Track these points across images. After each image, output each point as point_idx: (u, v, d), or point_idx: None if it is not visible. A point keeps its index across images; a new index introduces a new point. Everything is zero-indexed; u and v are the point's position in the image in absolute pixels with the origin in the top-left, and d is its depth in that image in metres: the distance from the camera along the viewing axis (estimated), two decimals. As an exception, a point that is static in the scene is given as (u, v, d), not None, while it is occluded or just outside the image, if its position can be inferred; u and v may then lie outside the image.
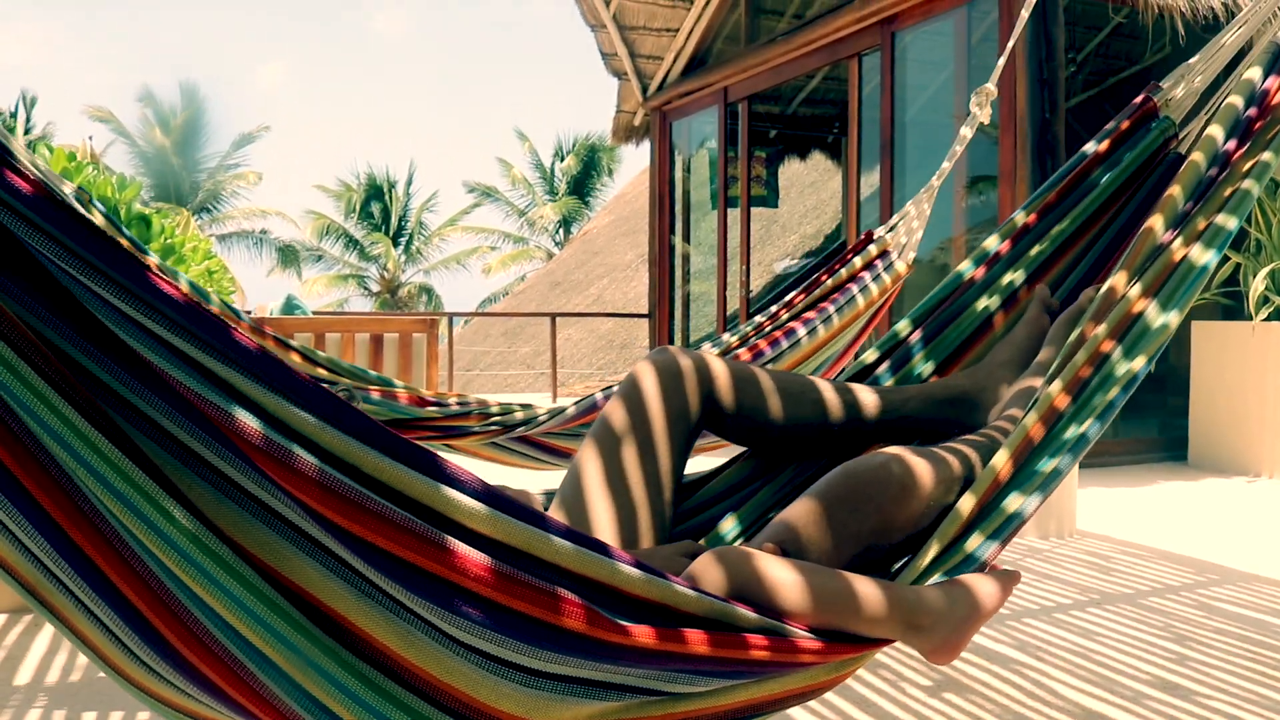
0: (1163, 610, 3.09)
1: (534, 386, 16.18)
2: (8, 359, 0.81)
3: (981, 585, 1.16)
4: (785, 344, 2.31)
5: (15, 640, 2.78)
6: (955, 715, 2.28)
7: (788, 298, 2.52)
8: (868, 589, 1.08)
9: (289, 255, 25.23)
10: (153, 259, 2.03)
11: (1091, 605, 3.14)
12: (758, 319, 2.49)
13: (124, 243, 1.89)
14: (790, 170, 12.33)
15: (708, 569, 1.05)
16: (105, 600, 0.88)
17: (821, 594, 1.06)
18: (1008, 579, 1.19)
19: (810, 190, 13.75)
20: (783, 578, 1.06)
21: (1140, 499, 5.13)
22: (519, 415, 2.30)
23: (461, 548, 0.84)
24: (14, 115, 21.91)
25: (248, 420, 0.80)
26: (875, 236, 2.57)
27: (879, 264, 2.50)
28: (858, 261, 2.50)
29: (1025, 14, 2.19)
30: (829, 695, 2.39)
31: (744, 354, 2.31)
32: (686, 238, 9.56)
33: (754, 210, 8.88)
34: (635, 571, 0.93)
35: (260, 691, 0.89)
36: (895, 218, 2.56)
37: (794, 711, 2.30)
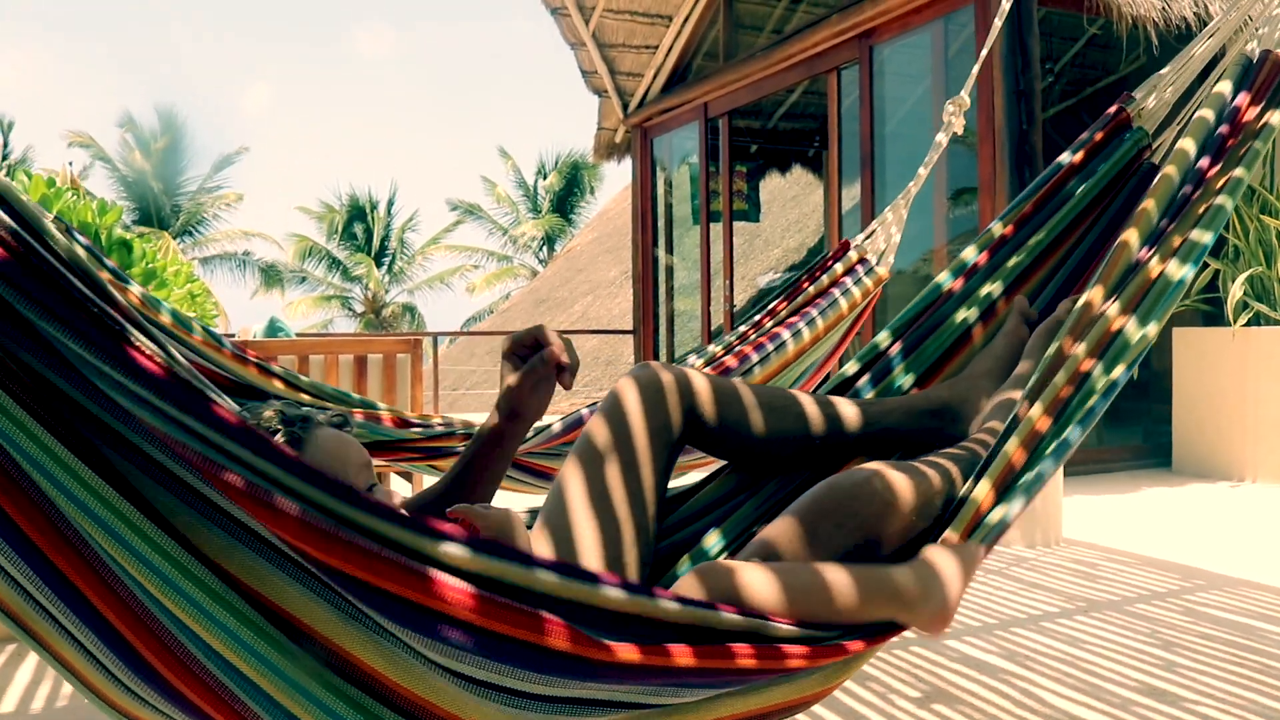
0: (1149, 617, 3.10)
1: (520, 404, 16.13)
2: None
3: (951, 556, 1.16)
4: (770, 347, 2.34)
5: (-1, 670, 2.76)
6: (945, 726, 2.28)
7: (770, 304, 2.55)
8: (844, 576, 1.10)
9: (272, 277, 25.17)
10: (135, 290, 2.02)
11: (1078, 613, 3.15)
12: (742, 328, 2.51)
13: (105, 275, 1.89)
14: (772, 184, 12.38)
15: (691, 585, 1.07)
16: (89, 625, 0.88)
17: (799, 588, 1.08)
18: (971, 549, 1.19)
19: (792, 204, 13.80)
20: (761, 579, 1.08)
21: (1125, 506, 5.15)
22: None
23: (443, 576, 0.85)
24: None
25: (231, 470, 0.82)
26: (854, 244, 2.61)
27: (859, 269, 2.55)
28: (838, 268, 2.54)
29: (999, 22, 2.22)
30: (819, 709, 2.39)
31: (729, 361, 2.34)
32: (670, 252, 9.58)
33: (736, 225, 8.91)
34: (621, 593, 0.94)
35: (243, 713, 0.89)
36: (873, 224, 2.59)
37: (784, 726, 2.30)
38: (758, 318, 2.53)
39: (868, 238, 2.62)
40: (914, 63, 6.88)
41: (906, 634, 2.95)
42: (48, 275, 0.80)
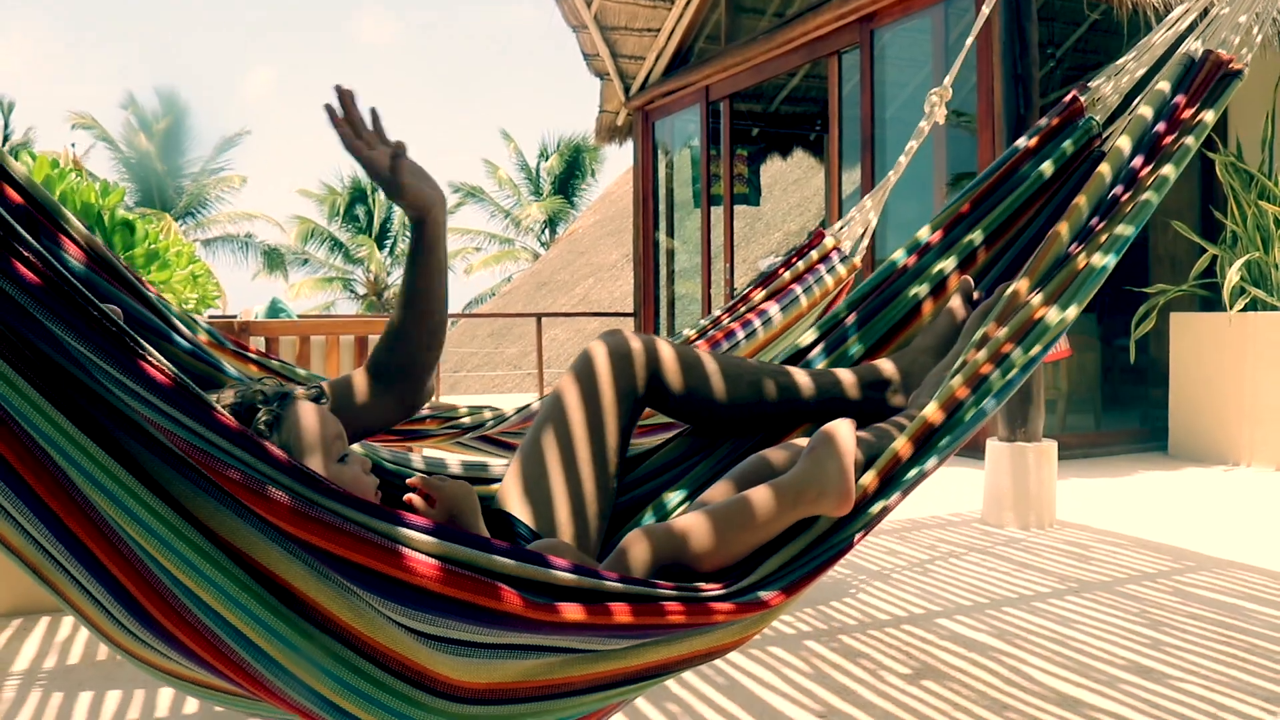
0: (1139, 597, 3.14)
1: (521, 387, 16.20)
2: (5, 374, 0.91)
3: (830, 440, 1.30)
4: (741, 335, 2.40)
5: (6, 643, 2.81)
6: (934, 702, 2.32)
7: (744, 291, 2.59)
8: (759, 496, 1.26)
9: (274, 258, 25.16)
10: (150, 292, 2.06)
11: (1069, 593, 3.19)
12: (716, 312, 2.56)
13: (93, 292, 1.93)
14: (773, 168, 12.39)
15: (635, 544, 1.22)
16: (97, 579, 0.99)
17: (727, 522, 1.24)
18: (843, 422, 1.33)
19: (793, 187, 13.81)
20: (693, 524, 1.24)
21: (1120, 489, 5.19)
22: (482, 416, 2.36)
23: (412, 552, 0.95)
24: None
25: (232, 467, 0.92)
26: (829, 232, 2.65)
27: (834, 256, 2.59)
28: (814, 255, 2.58)
29: (986, 10, 2.25)
30: (810, 684, 2.43)
31: (702, 345, 2.38)
32: (671, 236, 9.60)
33: (737, 208, 8.92)
34: (571, 575, 1.04)
35: (230, 655, 1.01)
36: (851, 211, 2.63)
37: (775, 700, 2.34)
38: (733, 302, 2.58)
39: (844, 226, 2.66)
40: (915, 47, 6.89)
41: (897, 613, 3.00)
42: (68, 295, 0.89)
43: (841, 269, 2.56)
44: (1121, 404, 7.26)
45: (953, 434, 1.36)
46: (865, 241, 2.62)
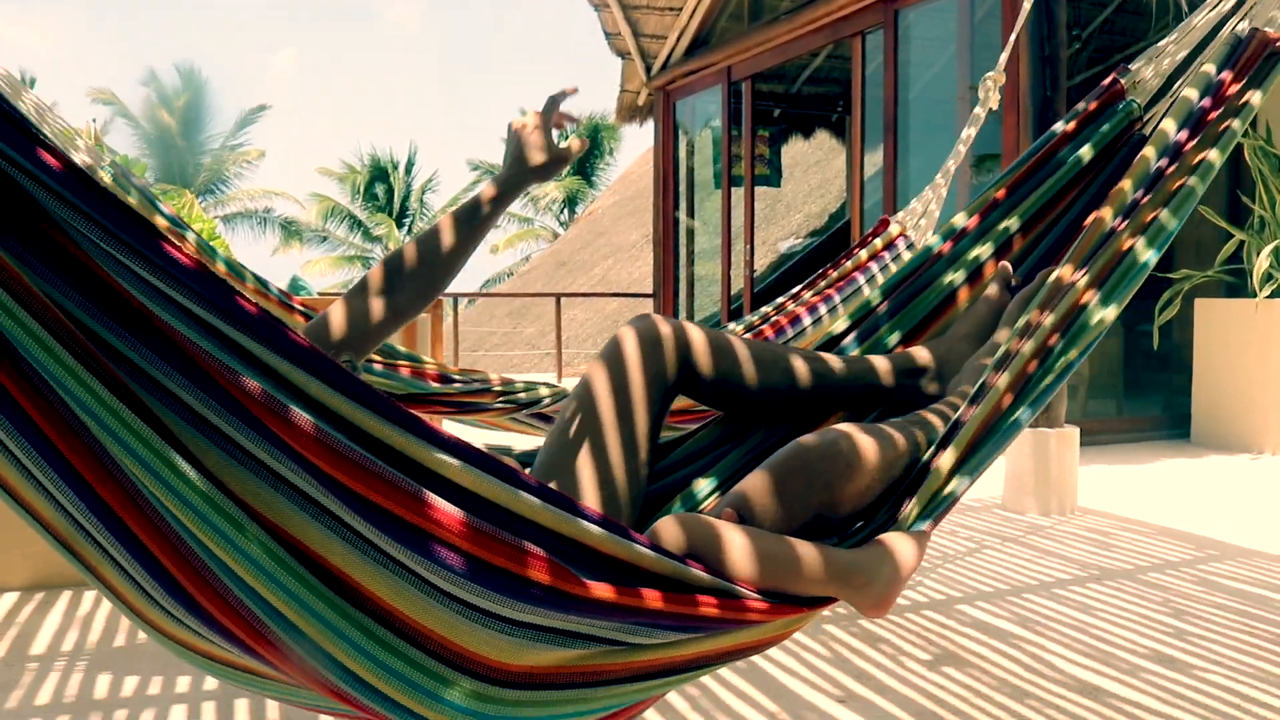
0: (1162, 585, 3.12)
1: (539, 366, 16.21)
2: (43, 340, 0.89)
3: (902, 544, 1.24)
4: (807, 320, 2.36)
5: (28, 618, 2.82)
6: (954, 688, 2.31)
7: (796, 289, 2.56)
8: (808, 553, 1.19)
9: (293, 234, 25.24)
10: (190, 238, 2.10)
11: (1091, 581, 3.17)
12: (780, 299, 2.53)
13: (162, 223, 1.94)
14: (794, 149, 12.30)
15: (668, 529, 1.17)
16: (130, 552, 0.97)
17: (767, 558, 1.17)
18: (922, 537, 1.26)
19: (814, 169, 13.72)
20: (735, 541, 1.17)
21: (1143, 476, 5.15)
22: (537, 393, 2.35)
23: (439, 501, 0.94)
24: (17, 97, 21.88)
25: (250, 379, 0.91)
26: (894, 219, 2.61)
27: (900, 244, 2.55)
28: (878, 243, 2.55)
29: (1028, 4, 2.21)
30: (830, 669, 2.42)
31: (766, 330, 2.37)
32: (691, 216, 9.57)
33: (758, 189, 8.87)
34: (598, 529, 1.03)
35: (265, 634, 0.99)
36: (914, 202, 2.60)
37: (794, 684, 2.33)
38: (781, 300, 2.54)
39: (908, 213, 2.63)
40: (939, 27, 6.81)
41: (917, 598, 2.99)
42: (94, 184, 0.86)
43: (906, 255, 2.52)
44: (1144, 390, 7.20)
45: (992, 444, 1.31)
46: (929, 232, 2.58)
